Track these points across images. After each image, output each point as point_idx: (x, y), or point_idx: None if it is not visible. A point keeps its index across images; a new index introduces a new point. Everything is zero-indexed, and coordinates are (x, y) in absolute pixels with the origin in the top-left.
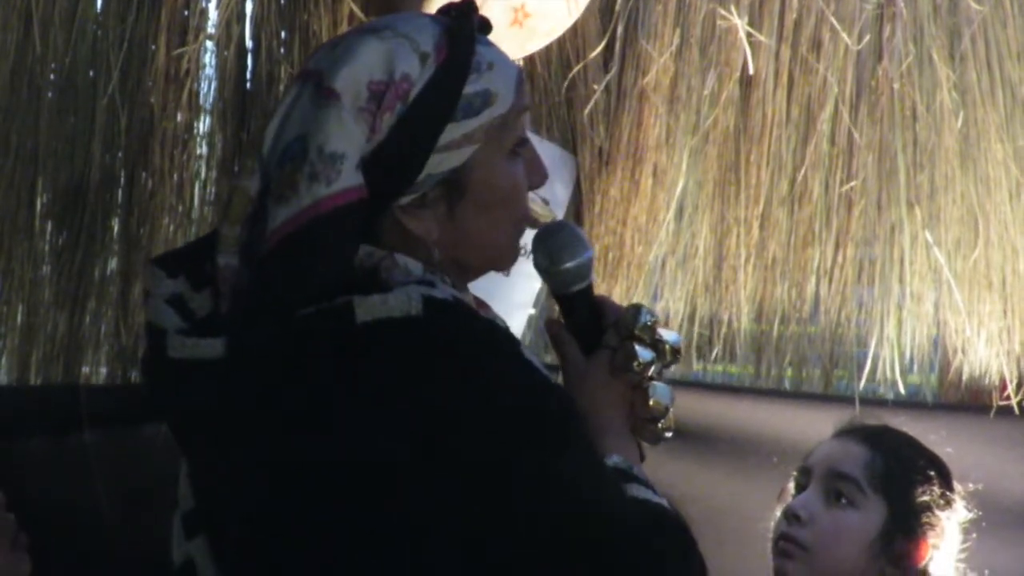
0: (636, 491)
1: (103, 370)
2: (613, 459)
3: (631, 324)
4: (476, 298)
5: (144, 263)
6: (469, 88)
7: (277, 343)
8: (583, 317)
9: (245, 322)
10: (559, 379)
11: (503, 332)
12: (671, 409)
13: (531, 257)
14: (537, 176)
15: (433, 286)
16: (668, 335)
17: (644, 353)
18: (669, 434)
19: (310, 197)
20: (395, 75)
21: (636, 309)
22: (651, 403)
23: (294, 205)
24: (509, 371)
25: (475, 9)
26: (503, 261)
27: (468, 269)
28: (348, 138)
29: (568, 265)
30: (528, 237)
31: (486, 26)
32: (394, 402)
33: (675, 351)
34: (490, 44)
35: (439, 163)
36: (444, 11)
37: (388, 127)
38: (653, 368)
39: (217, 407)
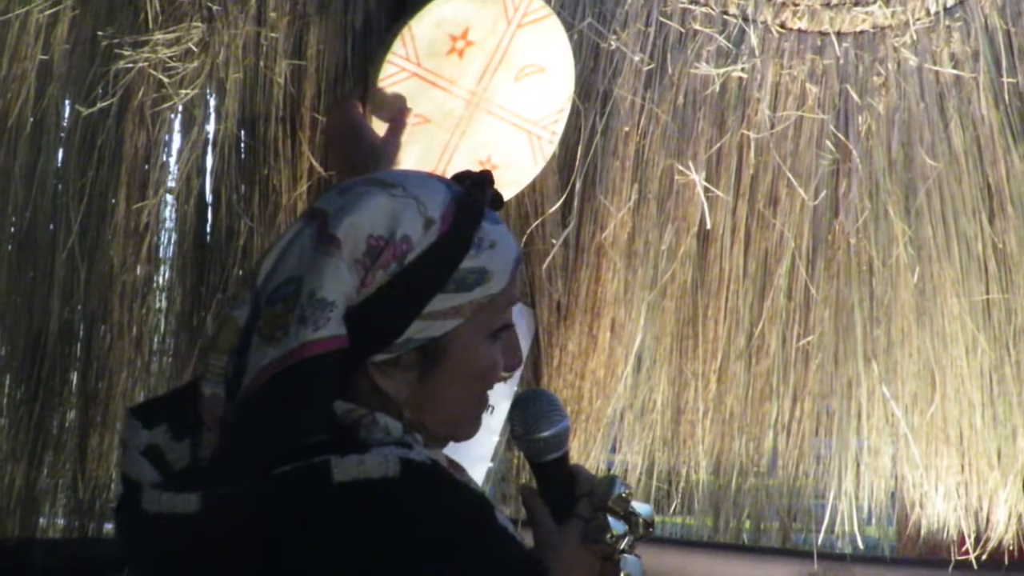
0: None
1: (60, 522)
2: None
3: (605, 495)
4: (450, 459)
5: (124, 412)
6: (467, 263)
7: (253, 500)
8: (557, 485)
9: (222, 476)
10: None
11: (478, 497)
12: None
13: (491, 412)
14: (513, 360)
15: (410, 448)
16: (641, 508)
17: (617, 525)
18: None
19: (297, 340)
20: (396, 235)
21: (610, 480)
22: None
23: (283, 346)
24: (484, 538)
25: (491, 182)
26: (462, 432)
27: (429, 435)
28: (341, 288)
29: (544, 435)
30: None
31: (498, 200)
32: (368, 566)
33: (648, 524)
34: (498, 221)
35: (421, 330)
36: (459, 178)
37: (379, 284)
38: (625, 541)
39: (190, 562)
